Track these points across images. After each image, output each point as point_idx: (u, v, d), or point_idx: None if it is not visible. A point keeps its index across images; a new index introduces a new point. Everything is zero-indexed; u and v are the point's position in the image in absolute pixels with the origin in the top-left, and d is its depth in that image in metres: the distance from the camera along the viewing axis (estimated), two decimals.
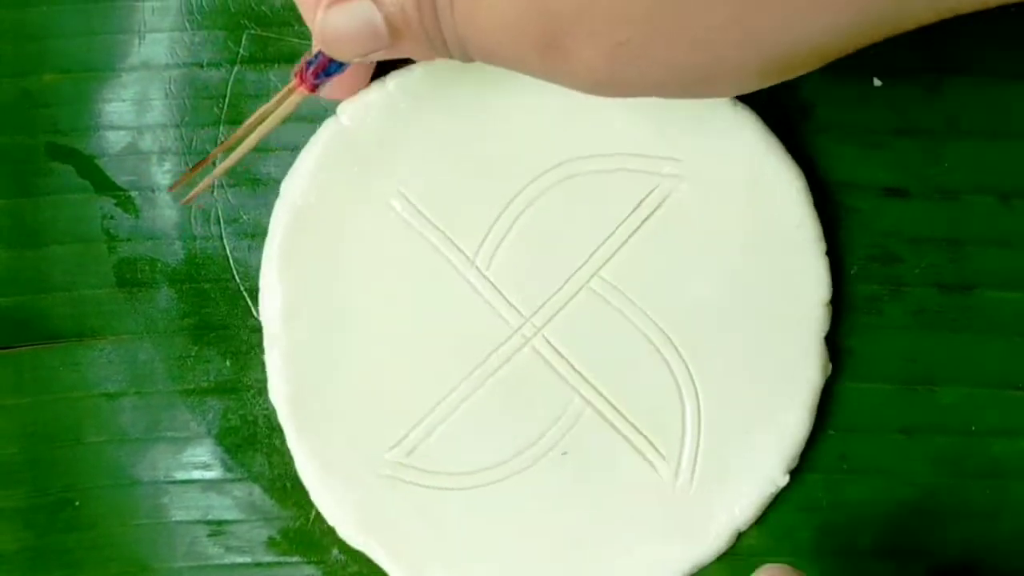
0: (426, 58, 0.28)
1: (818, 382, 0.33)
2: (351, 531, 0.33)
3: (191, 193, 0.31)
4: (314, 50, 0.29)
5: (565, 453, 0.33)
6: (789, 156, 0.33)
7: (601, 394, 0.33)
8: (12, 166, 0.35)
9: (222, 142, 0.34)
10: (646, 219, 0.33)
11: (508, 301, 0.33)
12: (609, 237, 0.33)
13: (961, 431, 0.34)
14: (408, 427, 0.33)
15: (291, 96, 0.29)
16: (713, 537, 0.33)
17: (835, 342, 0.34)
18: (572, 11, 0.25)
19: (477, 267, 0.33)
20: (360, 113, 0.33)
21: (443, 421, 0.33)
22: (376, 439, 0.33)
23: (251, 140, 0.30)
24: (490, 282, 0.33)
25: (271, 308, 0.33)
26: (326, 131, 0.33)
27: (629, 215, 0.33)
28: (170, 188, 0.31)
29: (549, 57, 0.26)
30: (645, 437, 0.33)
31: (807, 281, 0.33)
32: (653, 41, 0.25)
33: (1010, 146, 0.34)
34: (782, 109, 0.34)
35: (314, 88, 0.29)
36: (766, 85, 0.27)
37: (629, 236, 0.33)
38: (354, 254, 0.33)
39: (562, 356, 0.33)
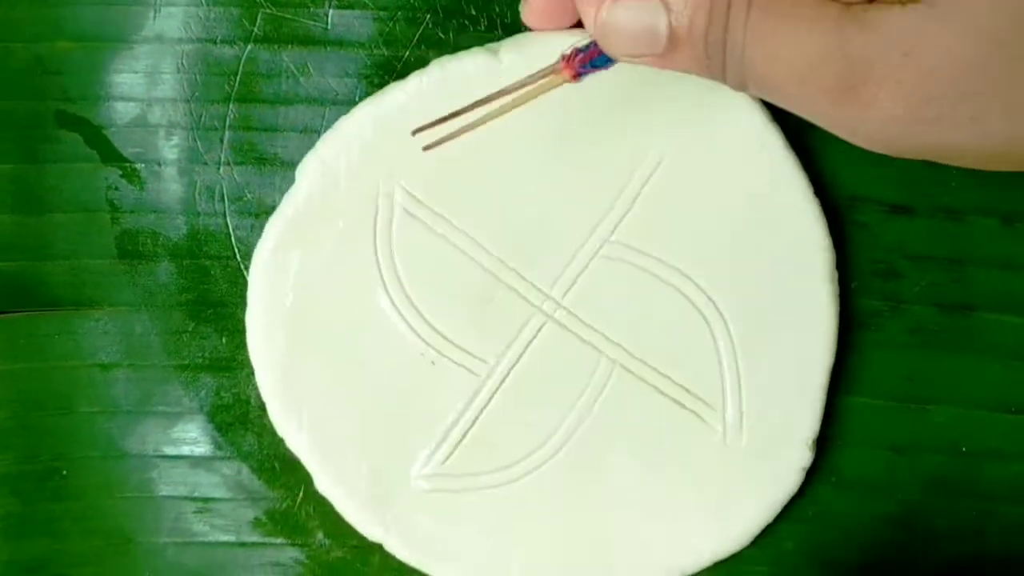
0: (696, 73, 0.27)
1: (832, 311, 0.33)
2: (404, 552, 0.34)
3: (435, 142, 0.30)
4: (588, 39, 0.28)
5: (602, 418, 0.33)
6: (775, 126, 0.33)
7: (630, 353, 0.33)
8: (20, 131, 0.35)
9: (229, 120, 0.34)
10: (650, 176, 0.33)
11: (524, 278, 0.33)
12: (616, 200, 0.33)
13: (952, 451, 0.34)
14: (439, 437, 0.33)
15: (549, 78, 0.29)
16: (786, 471, 0.33)
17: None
18: (882, 57, 0.24)
19: (485, 248, 0.33)
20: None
21: (474, 423, 0.33)
22: (407, 455, 0.33)
23: (500, 109, 0.30)
24: (502, 261, 0.33)
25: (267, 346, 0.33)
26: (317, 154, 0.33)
27: (632, 176, 0.33)
28: (413, 132, 0.30)
29: (842, 103, 0.25)
30: (684, 388, 0.33)
31: (805, 227, 0.33)
32: (968, 101, 0.24)
33: None
34: (792, 123, 0.34)
35: (576, 76, 0.29)
36: None
37: (636, 196, 0.33)
38: (352, 254, 0.33)
39: (584, 323, 0.33)
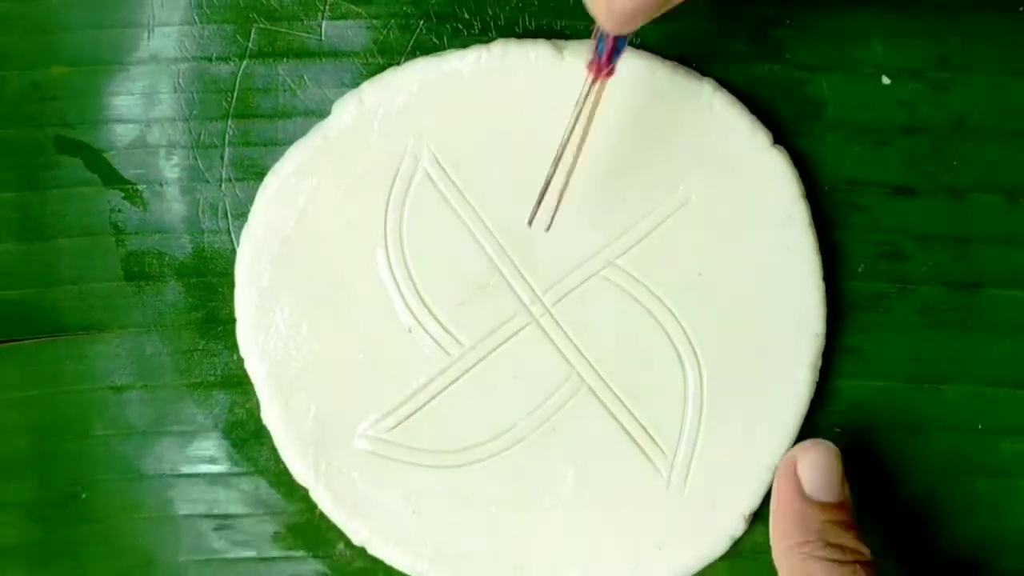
0: None
1: (805, 398, 0.33)
2: (320, 495, 0.34)
3: (551, 217, 0.31)
4: (596, 35, 0.29)
5: (556, 430, 0.33)
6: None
7: (601, 377, 0.33)
8: (21, 159, 0.35)
9: (229, 137, 0.34)
10: (672, 214, 0.33)
11: (524, 278, 0.33)
12: (632, 227, 0.33)
13: (968, 429, 0.34)
14: (396, 403, 0.33)
15: (596, 87, 0.30)
16: (717, 535, 0.33)
17: (842, 339, 0.34)
18: None
19: (498, 239, 0.33)
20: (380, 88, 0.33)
21: (433, 397, 0.33)
22: (360, 411, 0.33)
23: (576, 142, 0.30)
24: (509, 258, 0.33)
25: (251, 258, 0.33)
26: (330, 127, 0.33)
27: (655, 208, 0.33)
28: (528, 222, 0.31)
29: None
30: (642, 427, 0.33)
31: (805, 308, 0.33)
32: None
33: (1018, 145, 0.34)
34: (791, 108, 0.34)
35: (611, 71, 0.29)
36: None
37: (652, 229, 0.33)
38: (362, 210, 0.33)
39: (566, 334, 0.33)
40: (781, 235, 0.33)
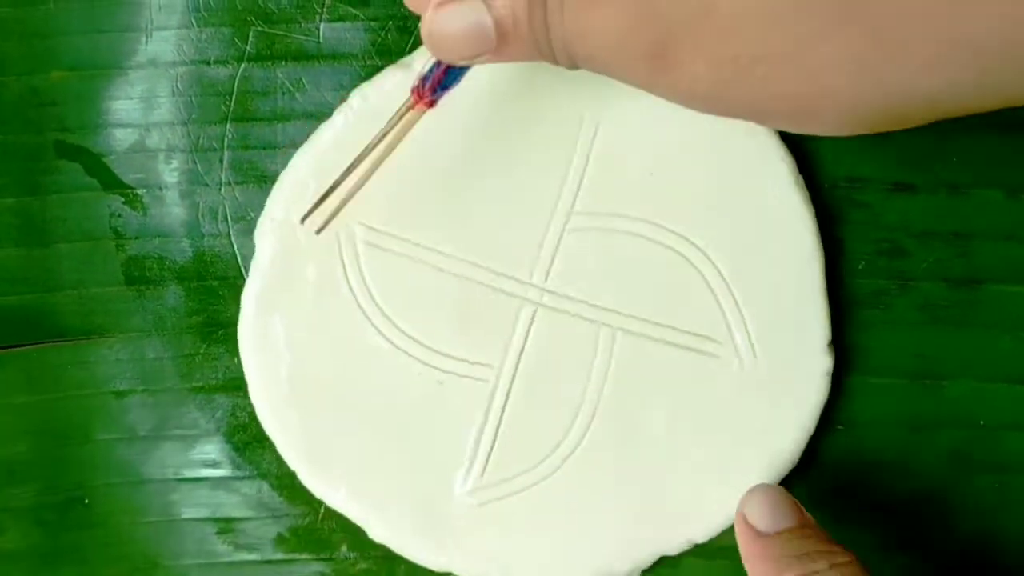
0: (532, 60, 0.28)
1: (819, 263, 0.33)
2: (475, 571, 0.33)
3: (323, 223, 0.31)
4: (426, 58, 0.29)
5: (618, 384, 0.33)
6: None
7: (630, 316, 0.33)
8: (20, 164, 0.35)
9: (228, 140, 0.34)
10: (592, 141, 0.33)
11: (503, 274, 0.33)
12: (567, 173, 0.33)
13: (969, 425, 0.34)
14: (469, 453, 0.33)
15: (409, 114, 0.30)
16: (812, 389, 0.33)
17: (843, 337, 0.34)
18: (684, 21, 0.24)
19: (458, 256, 0.33)
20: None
21: (498, 426, 0.33)
22: (445, 479, 0.33)
23: (373, 160, 0.30)
24: (478, 265, 0.33)
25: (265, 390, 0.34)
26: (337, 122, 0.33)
27: (575, 145, 0.33)
28: (302, 220, 0.31)
29: (655, 68, 0.25)
30: (690, 333, 0.33)
31: (759, 142, 0.33)
32: (763, 61, 0.24)
33: (1017, 140, 0.34)
34: None
35: (432, 103, 0.29)
36: (871, 131, 0.26)
37: (585, 164, 0.33)
38: (330, 302, 0.33)
39: (577, 300, 0.33)
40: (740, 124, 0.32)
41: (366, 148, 0.30)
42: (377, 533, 0.33)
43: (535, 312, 0.33)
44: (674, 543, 0.33)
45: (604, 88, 0.32)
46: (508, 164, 0.33)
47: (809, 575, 0.28)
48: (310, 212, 0.31)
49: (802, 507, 0.30)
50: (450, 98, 0.29)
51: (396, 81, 0.33)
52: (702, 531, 0.33)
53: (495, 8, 0.26)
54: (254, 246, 0.34)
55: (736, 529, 0.30)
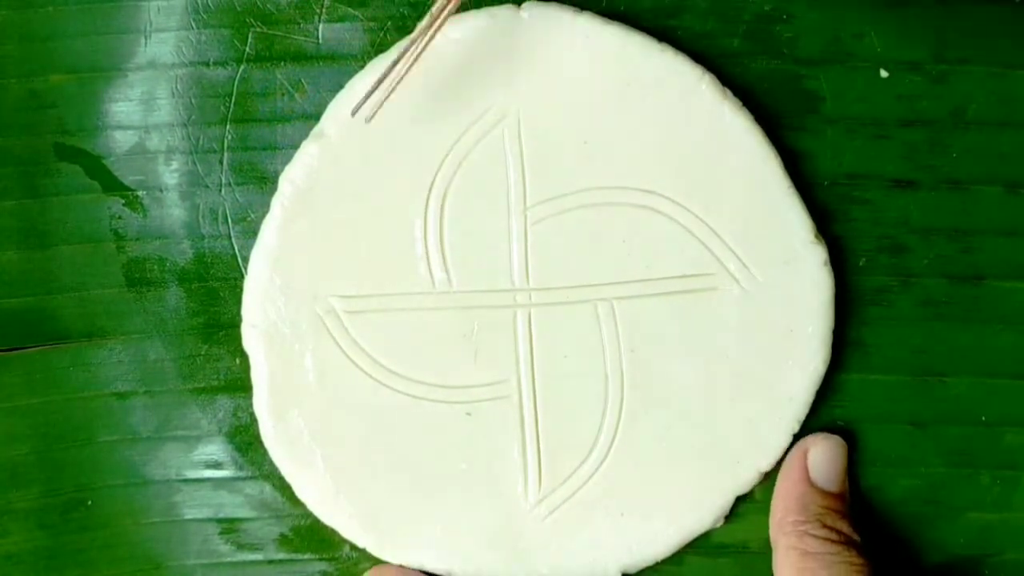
0: None
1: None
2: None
3: (373, 111, 0.31)
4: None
5: (633, 350, 0.33)
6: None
7: (620, 282, 0.33)
8: (20, 167, 0.35)
9: (228, 142, 0.34)
10: (519, 132, 0.33)
11: (486, 292, 0.33)
12: (507, 171, 0.33)
13: (972, 422, 0.34)
14: (521, 470, 0.33)
15: (448, 4, 0.31)
16: (819, 282, 0.33)
17: (845, 334, 0.34)
18: None
19: (440, 292, 0.33)
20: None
21: (537, 436, 0.33)
22: (510, 503, 0.33)
23: (420, 50, 0.31)
24: (458, 292, 0.33)
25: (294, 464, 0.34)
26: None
27: (505, 143, 0.33)
28: (352, 112, 0.31)
29: None
30: (683, 276, 0.33)
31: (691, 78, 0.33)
32: None
33: (1017, 135, 0.34)
34: (790, 102, 0.34)
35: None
36: None
37: (520, 155, 0.33)
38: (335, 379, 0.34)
39: (564, 287, 0.33)
40: (606, 61, 0.33)
41: (408, 39, 0.31)
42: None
43: (530, 314, 0.33)
44: (745, 480, 0.33)
45: (512, 76, 0.33)
46: (445, 182, 0.33)
47: (828, 543, 0.30)
48: (360, 105, 0.31)
49: (847, 479, 0.33)
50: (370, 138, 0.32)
51: (314, 154, 0.33)
52: (767, 457, 0.33)
53: None
54: (254, 246, 0.34)
55: (790, 456, 0.33)
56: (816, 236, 0.33)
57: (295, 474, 0.34)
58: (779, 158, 0.33)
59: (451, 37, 0.32)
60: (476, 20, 0.33)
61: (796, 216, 0.33)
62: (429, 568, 0.34)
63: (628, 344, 0.33)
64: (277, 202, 0.33)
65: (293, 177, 0.33)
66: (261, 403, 0.34)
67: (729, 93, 0.33)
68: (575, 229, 0.33)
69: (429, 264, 0.33)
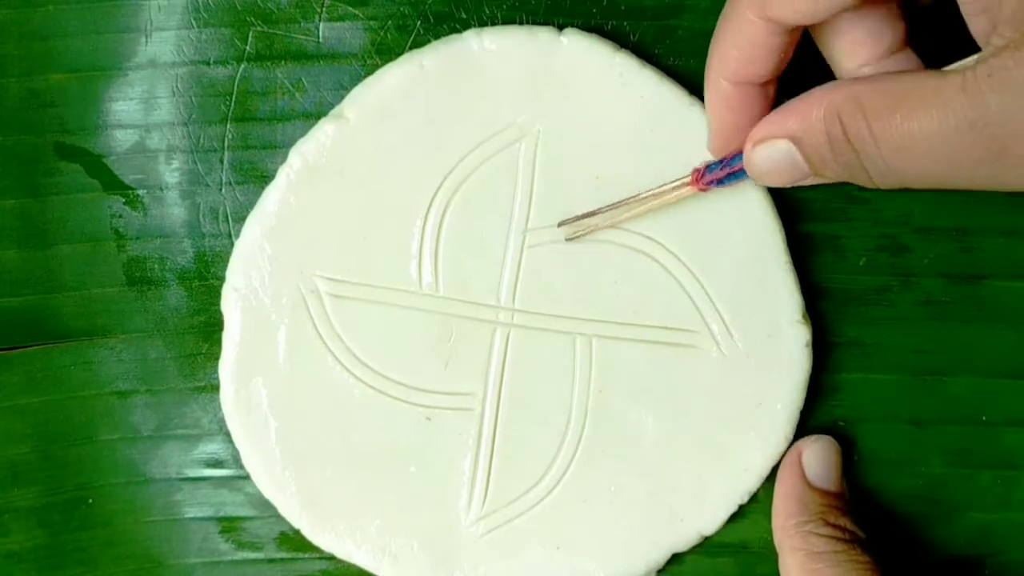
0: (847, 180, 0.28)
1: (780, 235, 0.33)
2: None
3: (579, 234, 0.33)
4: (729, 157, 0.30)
5: (602, 391, 0.33)
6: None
7: (603, 320, 0.33)
8: (20, 166, 0.35)
9: (228, 140, 0.34)
10: (535, 155, 0.33)
11: (472, 303, 0.33)
12: (516, 195, 0.33)
13: (971, 421, 0.34)
14: (467, 483, 0.33)
15: (682, 190, 0.31)
16: (799, 367, 0.33)
17: (844, 334, 0.34)
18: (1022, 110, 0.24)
19: (427, 293, 0.33)
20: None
21: (492, 453, 0.33)
22: (449, 514, 0.33)
23: (639, 211, 0.32)
24: (444, 299, 0.33)
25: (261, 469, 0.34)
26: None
27: (519, 164, 0.33)
28: (559, 224, 0.33)
29: (994, 167, 0.25)
30: (664, 328, 0.33)
31: (690, 131, 0.33)
32: None
33: None
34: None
35: (705, 190, 0.31)
36: None
37: (531, 178, 0.33)
38: (306, 365, 0.33)
39: (546, 315, 0.33)
40: (625, 94, 0.33)
41: (637, 198, 0.32)
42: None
43: (509, 334, 0.33)
44: (685, 539, 0.33)
45: (539, 97, 0.33)
46: (453, 187, 0.33)
47: (833, 540, 0.30)
48: (568, 221, 0.32)
49: (843, 478, 0.33)
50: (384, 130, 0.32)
51: (330, 134, 0.33)
52: (711, 522, 0.33)
53: (804, 146, 0.27)
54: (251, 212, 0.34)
55: (785, 460, 0.33)
56: (803, 316, 0.33)
57: (245, 441, 0.34)
58: (783, 233, 0.33)
59: (487, 47, 0.33)
60: (515, 35, 0.33)
61: (788, 293, 0.33)
62: (358, 562, 0.34)
63: (598, 384, 0.33)
64: (283, 172, 0.33)
65: (305, 151, 0.33)
66: (226, 366, 0.34)
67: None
68: (569, 260, 0.33)
69: (420, 264, 0.33)
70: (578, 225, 0.32)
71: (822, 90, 0.27)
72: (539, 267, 0.33)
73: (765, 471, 0.33)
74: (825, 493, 0.32)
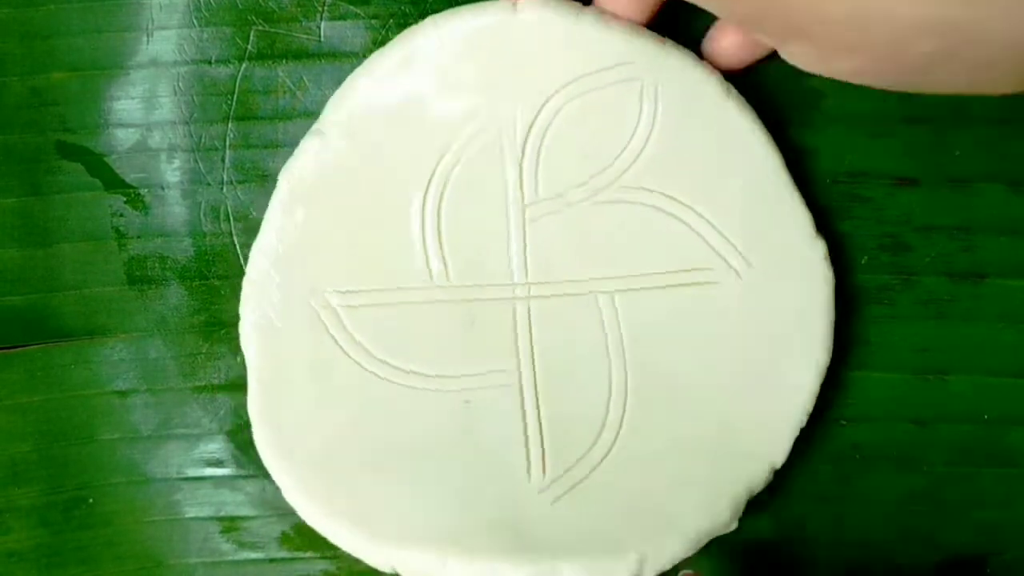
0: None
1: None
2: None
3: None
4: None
5: (635, 341, 0.32)
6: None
7: (621, 276, 0.33)
8: (22, 165, 0.35)
9: (230, 139, 0.34)
10: (529, 129, 0.33)
11: (486, 285, 0.33)
12: (506, 174, 0.33)
13: (974, 420, 0.34)
14: (523, 455, 0.33)
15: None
16: (817, 273, 0.33)
17: (846, 332, 0.34)
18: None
19: (439, 285, 0.33)
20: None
21: (540, 422, 0.33)
22: (516, 489, 0.33)
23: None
24: (457, 286, 0.33)
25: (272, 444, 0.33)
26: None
27: (507, 150, 0.33)
28: None
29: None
30: (683, 270, 0.33)
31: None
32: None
33: (1019, 133, 0.34)
34: (792, 99, 0.34)
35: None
36: None
37: (522, 156, 0.33)
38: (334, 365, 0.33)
39: (564, 280, 0.33)
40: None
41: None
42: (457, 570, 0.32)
43: (529, 306, 0.33)
44: (759, 473, 0.32)
45: (510, 74, 0.32)
46: (444, 177, 0.33)
47: None
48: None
49: None
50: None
51: (314, 152, 0.33)
52: (779, 451, 0.33)
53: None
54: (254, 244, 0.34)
55: None
56: (817, 232, 0.33)
57: (284, 474, 0.33)
58: (780, 155, 0.33)
59: (452, 36, 0.32)
60: (475, 19, 0.33)
61: (796, 212, 0.33)
62: (423, 568, 0.32)
63: (630, 334, 0.33)
64: (275, 199, 0.33)
65: (290, 174, 0.33)
66: (254, 404, 0.33)
67: (734, 91, 0.33)
68: (573, 226, 0.33)
69: (427, 257, 0.33)
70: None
71: None
72: (545, 238, 0.33)
73: (815, 386, 0.33)
74: None
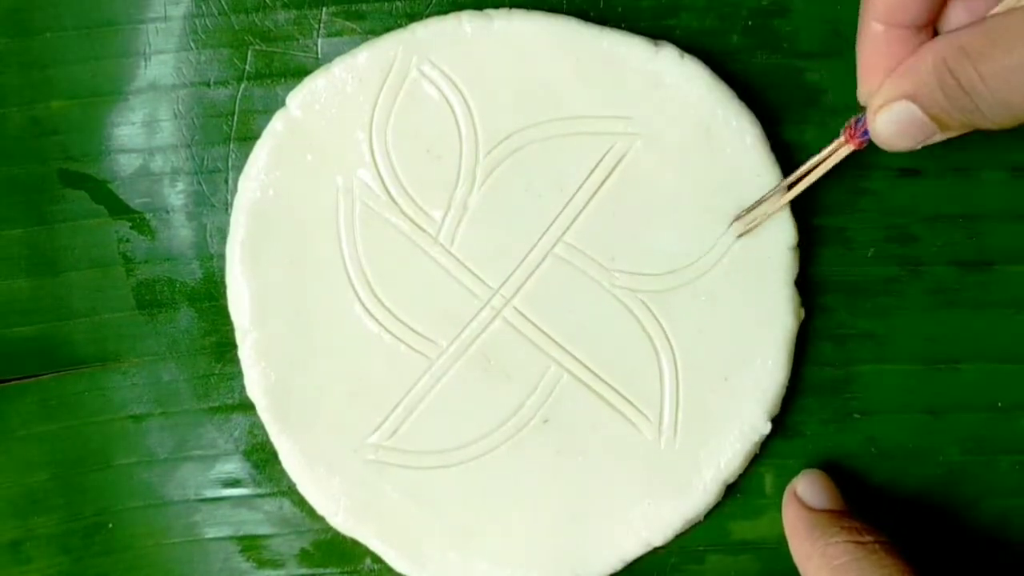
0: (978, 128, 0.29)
1: (792, 326, 0.33)
2: (341, 520, 0.34)
3: (750, 227, 0.33)
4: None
5: (547, 421, 0.33)
6: (742, 105, 0.33)
7: (578, 359, 0.33)
8: (26, 195, 0.35)
9: (232, 160, 0.34)
10: (604, 180, 0.33)
11: (475, 275, 0.33)
12: (569, 201, 0.33)
13: (987, 408, 0.34)
14: (388, 409, 0.34)
15: (840, 149, 0.31)
16: (701, 491, 0.33)
17: (856, 325, 0.34)
18: None
19: (441, 244, 0.33)
20: (308, 100, 0.33)
21: (422, 400, 0.33)
22: (357, 424, 0.34)
23: (801, 186, 0.32)
24: (456, 258, 0.33)
25: (239, 304, 0.34)
26: (278, 122, 0.33)
27: (587, 177, 0.33)
28: (731, 222, 0.33)
29: None
30: (625, 398, 0.33)
31: (772, 226, 0.33)
32: None
33: None
34: (792, 95, 0.34)
35: (861, 144, 0.31)
36: None
37: (589, 199, 0.33)
38: (317, 242, 0.33)
39: (534, 324, 0.33)
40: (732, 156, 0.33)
41: (797, 173, 0.32)
42: (289, 464, 0.34)
43: (494, 318, 0.33)
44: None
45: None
46: (527, 167, 0.33)
47: (854, 544, 0.30)
48: (740, 216, 0.33)
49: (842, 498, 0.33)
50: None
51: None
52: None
53: (919, 101, 0.28)
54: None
55: (784, 499, 0.33)
56: (767, 422, 0.33)
57: (250, 304, 0.34)
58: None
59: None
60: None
61: (755, 399, 0.33)
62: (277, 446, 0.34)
63: (545, 411, 0.33)
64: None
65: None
66: (239, 216, 0.34)
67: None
68: (576, 288, 0.33)
69: (458, 216, 0.33)
70: (750, 218, 0.32)
71: (927, 47, 0.28)
72: (553, 279, 0.33)
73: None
74: (830, 513, 0.32)
